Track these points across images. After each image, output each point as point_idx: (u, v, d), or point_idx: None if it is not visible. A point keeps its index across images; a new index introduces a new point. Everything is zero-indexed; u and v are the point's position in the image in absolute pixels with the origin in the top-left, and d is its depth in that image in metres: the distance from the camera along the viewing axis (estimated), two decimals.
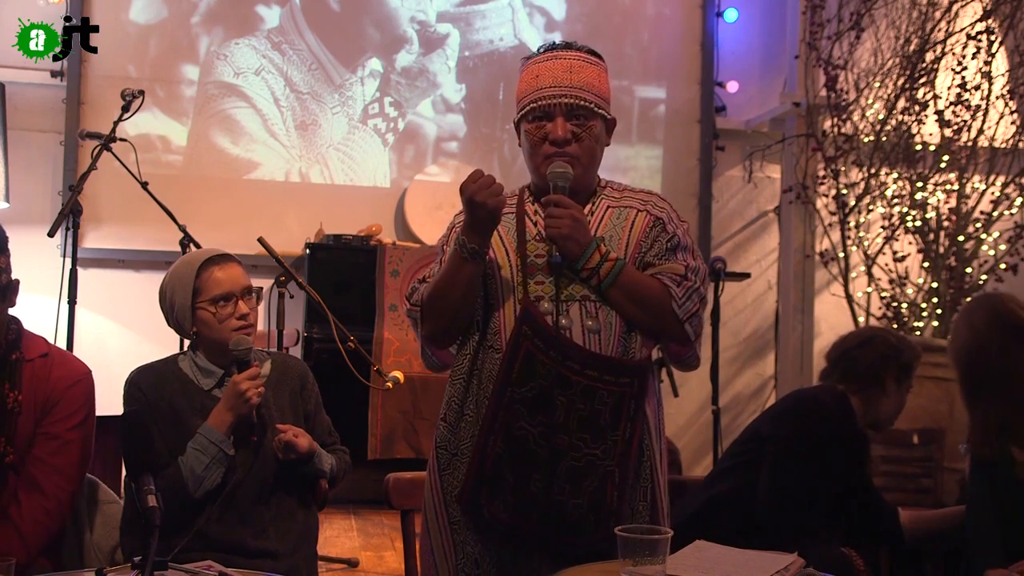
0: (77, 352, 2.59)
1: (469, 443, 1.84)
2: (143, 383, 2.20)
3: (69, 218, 3.55)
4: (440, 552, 1.88)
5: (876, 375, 2.73)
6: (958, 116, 5.21)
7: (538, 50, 1.95)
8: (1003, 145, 5.24)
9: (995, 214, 5.20)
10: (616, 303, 1.84)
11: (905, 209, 5.30)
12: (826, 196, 5.65)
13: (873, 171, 5.41)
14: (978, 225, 5.20)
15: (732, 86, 6.09)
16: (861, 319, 5.46)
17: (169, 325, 2.29)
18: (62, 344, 3.27)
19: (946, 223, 5.23)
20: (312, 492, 2.31)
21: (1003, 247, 5.21)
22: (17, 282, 2.07)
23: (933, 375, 4.65)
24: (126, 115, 3.81)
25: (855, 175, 5.50)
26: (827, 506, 2.64)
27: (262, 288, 2.33)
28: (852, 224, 5.48)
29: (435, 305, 1.88)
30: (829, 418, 2.67)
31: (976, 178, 5.31)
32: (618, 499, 1.81)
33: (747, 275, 5.46)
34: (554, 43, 1.95)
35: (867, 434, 2.80)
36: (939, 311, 5.15)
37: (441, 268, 1.90)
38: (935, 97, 5.27)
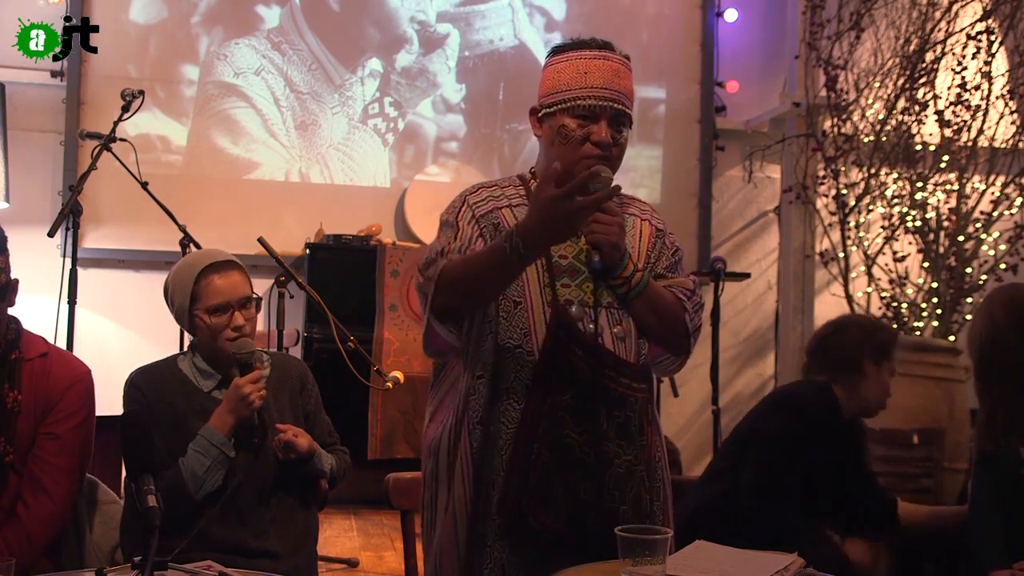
0: (77, 352, 2.59)
1: (495, 448, 1.79)
2: (143, 384, 2.19)
3: (69, 218, 3.55)
4: (464, 555, 1.82)
5: (853, 360, 2.70)
6: (958, 116, 5.20)
7: (573, 42, 1.88)
8: (1003, 145, 5.24)
9: (995, 214, 5.19)
10: (638, 312, 1.84)
11: (905, 209, 5.30)
12: (826, 196, 5.65)
13: (873, 171, 5.41)
14: (978, 225, 5.19)
15: (732, 86, 6.09)
16: None
17: (172, 315, 2.29)
18: (62, 344, 3.27)
19: (946, 223, 5.23)
20: (312, 492, 2.31)
21: (1003, 247, 5.21)
22: (16, 281, 2.07)
23: (933, 375, 4.65)
24: (126, 115, 3.81)
25: (855, 175, 5.50)
26: (815, 498, 2.62)
27: (261, 299, 2.30)
28: (852, 224, 5.47)
29: (458, 287, 1.76)
30: (806, 411, 2.66)
31: (976, 178, 5.31)
32: (651, 502, 1.83)
33: (747, 275, 5.46)
34: (595, 39, 1.88)
35: (858, 422, 2.78)
36: (939, 311, 5.15)
37: (478, 255, 1.77)
38: (935, 97, 5.27)
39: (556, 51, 1.89)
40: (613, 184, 1.72)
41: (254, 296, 2.24)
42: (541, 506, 1.75)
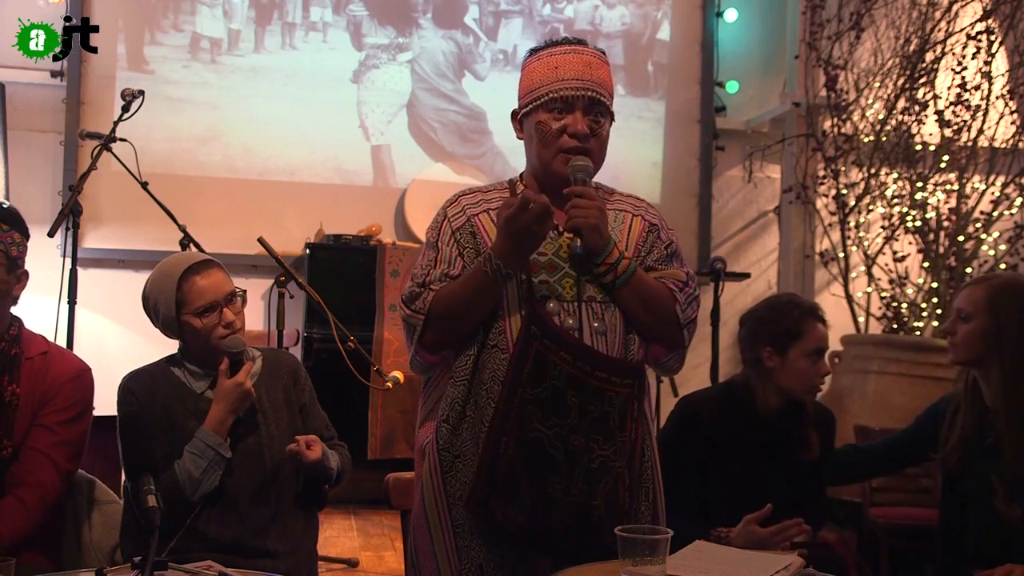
0: (77, 352, 2.58)
1: (471, 445, 1.81)
2: (135, 387, 2.18)
3: (69, 218, 3.54)
4: (443, 555, 1.85)
5: (753, 355, 2.45)
6: (958, 116, 5.21)
7: (546, 43, 1.91)
8: (1003, 145, 5.24)
9: (995, 214, 5.20)
10: (625, 302, 1.83)
11: (905, 209, 5.30)
12: (826, 196, 5.65)
13: (873, 171, 5.41)
14: (978, 225, 5.20)
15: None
16: (861, 319, 5.46)
17: (156, 328, 2.28)
18: (62, 344, 3.27)
19: (946, 223, 5.23)
20: (314, 492, 2.31)
21: (1003, 247, 5.22)
22: (26, 273, 2.09)
23: (933, 375, 4.65)
24: (126, 115, 3.81)
25: (855, 175, 5.50)
26: (719, 504, 2.33)
27: (245, 292, 2.29)
28: (852, 224, 5.48)
29: (449, 320, 1.82)
30: (679, 421, 2.48)
31: (976, 178, 5.31)
32: (629, 500, 1.81)
33: (747, 275, 5.46)
34: (566, 37, 1.92)
35: (783, 421, 2.43)
36: (939, 311, 5.15)
37: (461, 284, 1.82)
38: (935, 97, 5.28)
39: (530, 53, 1.93)
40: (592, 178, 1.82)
41: (238, 291, 2.24)
42: (507, 500, 1.76)
